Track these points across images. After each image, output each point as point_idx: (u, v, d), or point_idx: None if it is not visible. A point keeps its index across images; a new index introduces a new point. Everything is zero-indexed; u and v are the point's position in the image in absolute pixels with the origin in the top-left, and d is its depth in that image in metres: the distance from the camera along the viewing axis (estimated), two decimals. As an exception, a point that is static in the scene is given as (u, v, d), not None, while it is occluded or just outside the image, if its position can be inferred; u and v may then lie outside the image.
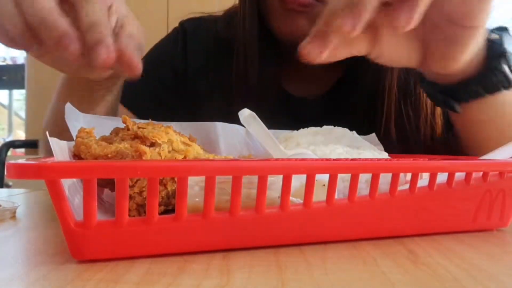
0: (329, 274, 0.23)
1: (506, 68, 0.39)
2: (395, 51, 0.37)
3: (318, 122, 0.43)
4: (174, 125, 0.37)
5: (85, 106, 0.43)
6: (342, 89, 0.62)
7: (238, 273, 0.23)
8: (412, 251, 0.28)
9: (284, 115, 0.61)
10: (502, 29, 0.41)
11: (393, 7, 0.30)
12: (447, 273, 0.23)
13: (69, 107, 0.36)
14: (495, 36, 0.40)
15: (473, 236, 0.32)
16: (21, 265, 0.24)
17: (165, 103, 0.63)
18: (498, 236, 0.33)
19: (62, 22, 0.29)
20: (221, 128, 0.44)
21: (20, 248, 0.28)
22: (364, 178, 0.33)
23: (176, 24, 0.68)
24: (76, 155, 0.31)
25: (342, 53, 0.35)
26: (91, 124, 0.34)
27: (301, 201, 0.27)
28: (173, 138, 0.32)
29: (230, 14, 0.64)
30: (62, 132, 0.34)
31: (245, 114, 0.40)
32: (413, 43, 0.37)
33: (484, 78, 0.40)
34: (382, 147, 0.46)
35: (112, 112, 0.50)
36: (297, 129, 0.44)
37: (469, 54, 0.37)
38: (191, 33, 0.66)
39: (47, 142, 0.29)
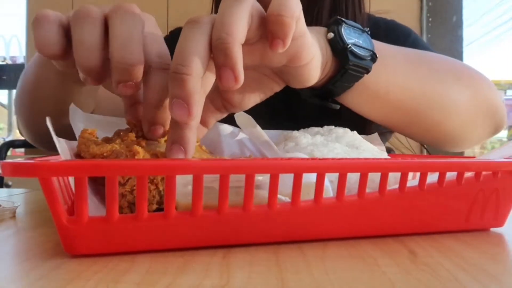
0: (329, 273, 0.23)
1: (354, 59, 0.41)
2: (255, 95, 0.39)
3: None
4: None
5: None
6: None
7: (238, 272, 0.23)
8: (412, 251, 0.28)
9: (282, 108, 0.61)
10: (337, 23, 0.42)
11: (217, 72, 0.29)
12: (447, 273, 0.24)
13: (73, 108, 0.36)
14: (330, 35, 0.41)
15: (473, 236, 0.32)
16: (21, 265, 0.24)
17: None
18: (497, 236, 0.33)
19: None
20: (222, 129, 0.44)
21: (20, 248, 0.28)
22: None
23: (176, 25, 0.68)
24: (78, 155, 0.31)
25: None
26: (95, 126, 0.34)
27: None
28: None
29: None
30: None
31: (241, 117, 0.40)
32: (268, 82, 0.39)
33: (342, 74, 0.42)
34: (383, 147, 0.46)
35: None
36: (296, 122, 0.44)
37: (316, 72, 0.38)
38: None
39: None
